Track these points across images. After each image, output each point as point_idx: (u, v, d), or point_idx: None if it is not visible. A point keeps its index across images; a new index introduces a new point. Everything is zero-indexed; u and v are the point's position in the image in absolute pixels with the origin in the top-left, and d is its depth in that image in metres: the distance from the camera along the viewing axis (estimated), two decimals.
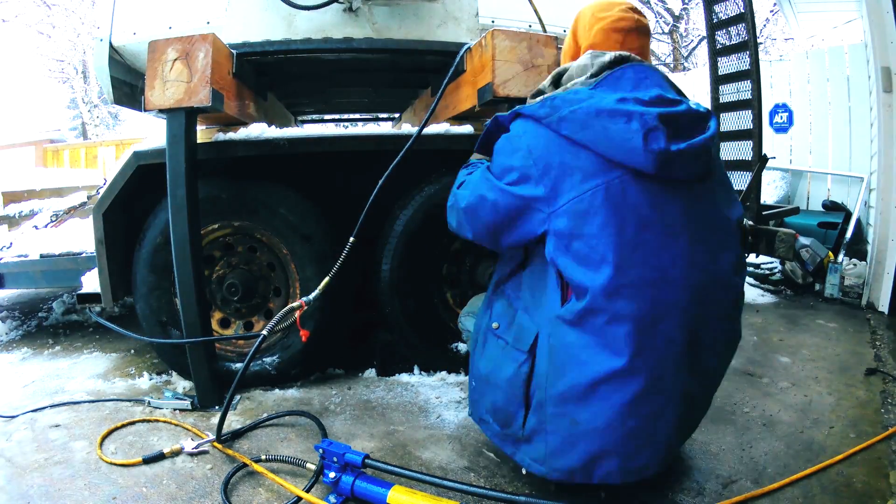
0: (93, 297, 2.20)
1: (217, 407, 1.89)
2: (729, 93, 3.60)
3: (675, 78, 7.15)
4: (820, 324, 2.84)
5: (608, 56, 1.24)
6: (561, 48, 1.87)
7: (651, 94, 1.15)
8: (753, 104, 3.28)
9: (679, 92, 1.25)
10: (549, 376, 1.18)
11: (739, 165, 3.26)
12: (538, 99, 1.25)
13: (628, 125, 1.08)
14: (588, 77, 1.23)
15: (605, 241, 1.10)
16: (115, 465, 1.55)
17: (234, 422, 1.80)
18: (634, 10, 1.32)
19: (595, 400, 1.13)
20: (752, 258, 3.77)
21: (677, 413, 1.18)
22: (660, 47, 15.94)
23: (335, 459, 1.42)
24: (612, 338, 1.11)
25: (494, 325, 1.34)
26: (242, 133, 2.02)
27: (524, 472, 1.38)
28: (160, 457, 1.58)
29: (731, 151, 3.34)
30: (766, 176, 4.44)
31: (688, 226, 1.15)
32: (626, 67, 1.21)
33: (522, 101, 1.84)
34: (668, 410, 1.16)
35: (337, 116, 5.53)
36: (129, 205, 2.08)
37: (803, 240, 3.44)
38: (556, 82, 1.33)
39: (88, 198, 4.11)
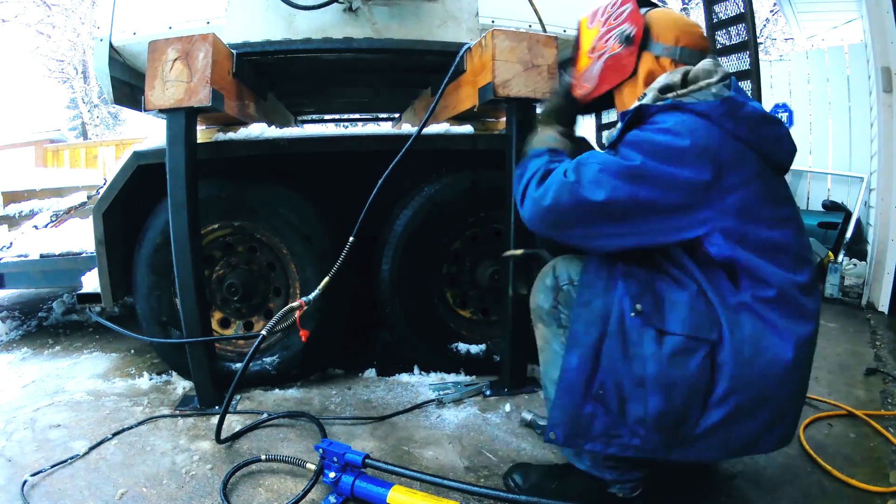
0: (93, 297, 2.19)
1: (217, 407, 1.89)
2: None
3: None
4: (820, 324, 2.83)
5: (723, 66, 1.29)
6: (559, 49, 1.87)
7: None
8: None
9: None
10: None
11: None
12: (678, 94, 1.20)
13: (780, 129, 1.21)
14: (718, 80, 1.22)
15: None
16: (116, 465, 1.55)
17: (234, 422, 1.80)
18: None
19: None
20: None
21: None
22: None
23: (335, 459, 1.42)
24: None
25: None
26: (242, 133, 2.02)
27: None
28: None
29: None
30: None
31: None
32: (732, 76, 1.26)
33: (523, 100, 1.84)
34: None
35: (337, 116, 5.51)
36: (129, 205, 2.08)
37: None
38: (684, 81, 1.27)
39: (88, 198, 4.10)
